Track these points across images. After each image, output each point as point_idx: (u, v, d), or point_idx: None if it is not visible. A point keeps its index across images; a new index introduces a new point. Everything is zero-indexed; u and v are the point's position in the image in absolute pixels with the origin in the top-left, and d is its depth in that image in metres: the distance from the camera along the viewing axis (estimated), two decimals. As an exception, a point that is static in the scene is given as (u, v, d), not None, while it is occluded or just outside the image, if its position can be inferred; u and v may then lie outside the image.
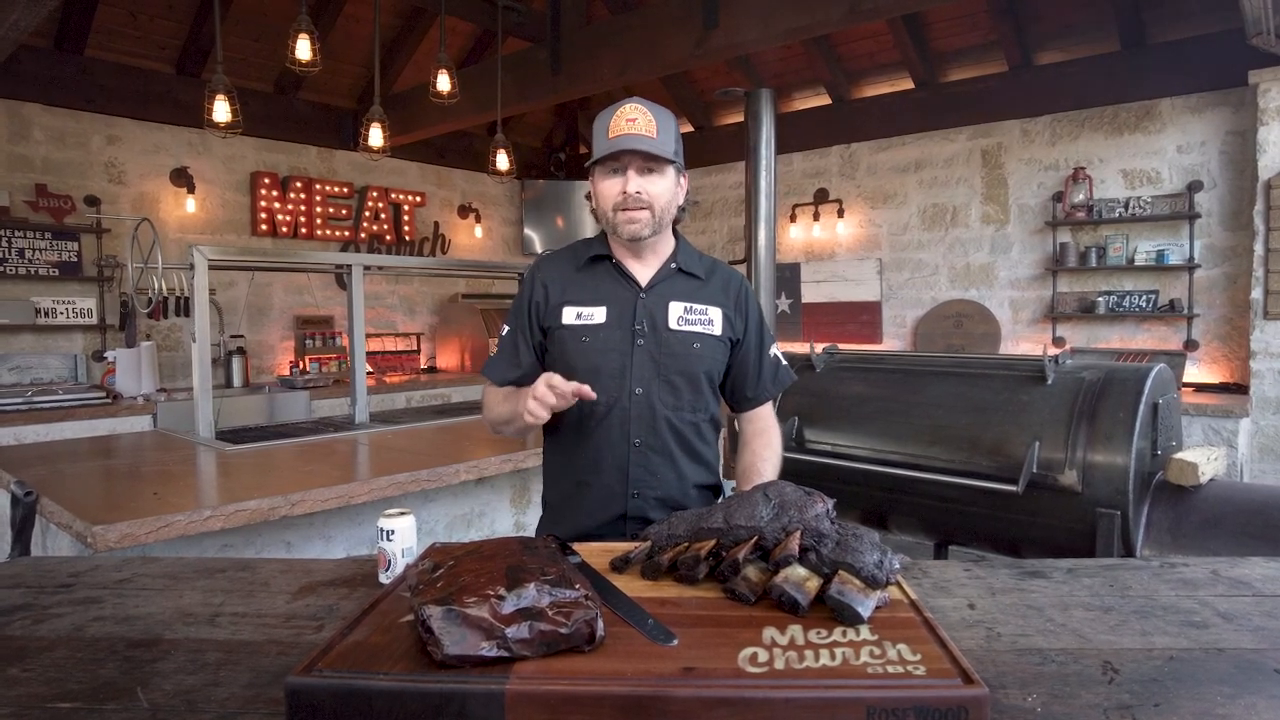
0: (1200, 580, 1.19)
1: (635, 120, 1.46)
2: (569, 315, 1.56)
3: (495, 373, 1.63)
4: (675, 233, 1.63)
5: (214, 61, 3.87)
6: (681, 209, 1.58)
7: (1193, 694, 0.84)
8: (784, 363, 1.71)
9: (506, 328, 1.64)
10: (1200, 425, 4.31)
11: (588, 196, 1.58)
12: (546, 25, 5.24)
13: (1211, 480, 2.21)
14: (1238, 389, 4.67)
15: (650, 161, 1.47)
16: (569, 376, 1.52)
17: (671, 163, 1.50)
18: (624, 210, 1.48)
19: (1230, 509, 2.07)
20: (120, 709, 0.84)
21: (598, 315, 1.55)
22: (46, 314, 4.82)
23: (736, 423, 1.72)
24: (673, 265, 1.59)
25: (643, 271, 1.58)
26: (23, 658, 0.97)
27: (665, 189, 1.50)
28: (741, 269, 3.43)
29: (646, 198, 1.48)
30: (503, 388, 1.62)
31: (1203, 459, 2.16)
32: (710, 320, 1.57)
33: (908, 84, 5.93)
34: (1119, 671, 0.89)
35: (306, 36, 3.84)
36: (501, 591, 0.88)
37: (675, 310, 1.56)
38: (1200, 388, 4.82)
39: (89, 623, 1.08)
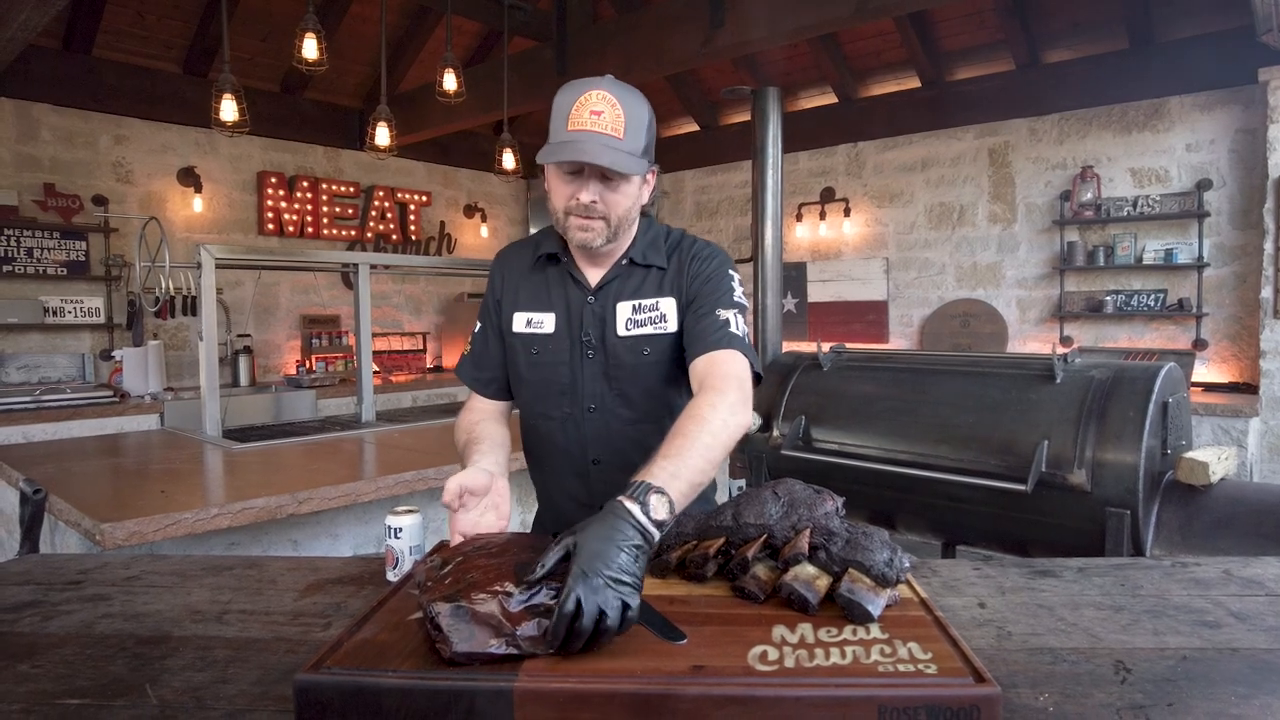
0: (1212, 580, 1.18)
1: (601, 114, 1.23)
2: (519, 322, 1.41)
3: (468, 373, 1.48)
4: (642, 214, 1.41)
5: (221, 61, 3.87)
6: (648, 204, 1.39)
7: (1206, 694, 0.83)
8: (737, 331, 1.32)
9: (479, 324, 1.49)
10: (1209, 425, 4.29)
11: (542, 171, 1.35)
12: (553, 24, 5.24)
13: (1222, 480, 2.19)
14: (1247, 388, 4.64)
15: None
16: (521, 388, 1.44)
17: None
18: (576, 216, 1.27)
19: (1242, 509, 2.06)
20: (129, 705, 0.84)
21: (547, 323, 1.39)
22: (54, 313, 4.84)
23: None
24: (624, 261, 1.38)
25: (595, 271, 1.39)
26: (32, 654, 0.97)
27: (627, 196, 1.28)
28: (747, 268, 3.42)
29: (603, 208, 1.26)
30: (472, 425, 1.41)
31: (1213, 458, 2.15)
32: (662, 315, 1.36)
33: (915, 83, 5.91)
34: (1131, 671, 0.89)
35: (313, 36, 3.84)
36: (510, 588, 0.88)
37: (623, 313, 1.36)
38: (1209, 387, 4.79)
39: (98, 620, 1.08)
